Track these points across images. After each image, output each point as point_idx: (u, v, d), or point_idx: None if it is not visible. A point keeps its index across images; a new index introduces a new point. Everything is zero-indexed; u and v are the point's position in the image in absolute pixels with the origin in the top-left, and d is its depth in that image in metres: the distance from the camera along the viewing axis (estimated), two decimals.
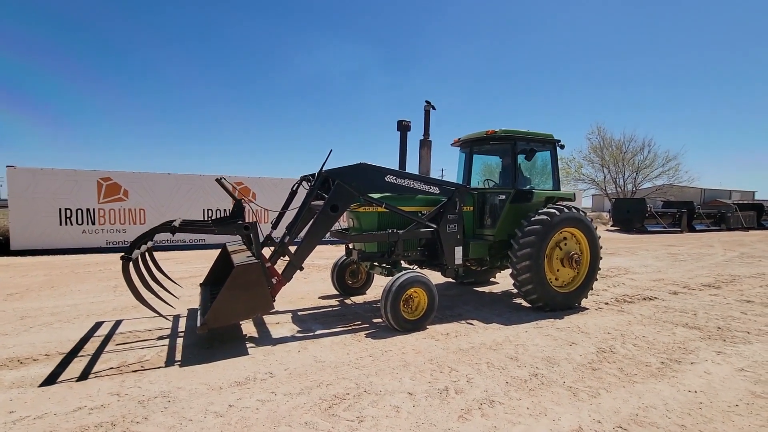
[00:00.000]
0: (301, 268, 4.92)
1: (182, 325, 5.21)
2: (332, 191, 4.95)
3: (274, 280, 4.62)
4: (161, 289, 5.04)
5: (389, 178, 5.34)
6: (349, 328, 5.20)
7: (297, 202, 5.59)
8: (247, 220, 4.91)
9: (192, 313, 5.74)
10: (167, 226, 4.77)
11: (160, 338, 4.71)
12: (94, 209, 11.70)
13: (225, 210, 13.21)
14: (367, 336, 4.86)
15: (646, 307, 6.51)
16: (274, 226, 5.73)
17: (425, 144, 6.27)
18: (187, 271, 9.00)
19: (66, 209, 11.43)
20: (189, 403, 3.19)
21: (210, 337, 4.75)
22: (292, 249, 4.94)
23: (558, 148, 6.81)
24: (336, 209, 4.97)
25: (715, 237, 21.98)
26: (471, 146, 6.90)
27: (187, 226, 4.96)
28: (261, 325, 5.22)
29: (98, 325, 5.17)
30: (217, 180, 5.12)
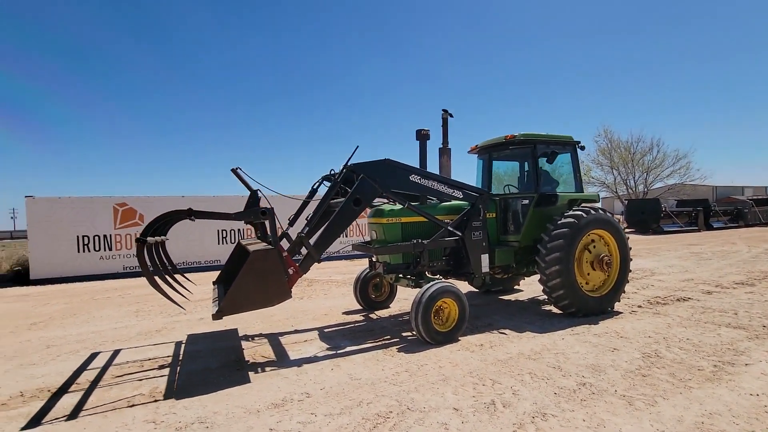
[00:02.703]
0: (319, 261, 4.85)
1: (210, 347, 5.10)
2: (356, 185, 4.92)
3: (290, 271, 4.50)
4: (175, 281, 5.03)
5: (414, 178, 5.29)
6: (379, 343, 5.05)
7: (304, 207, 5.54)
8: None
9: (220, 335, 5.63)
10: (183, 212, 4.53)
11: (188, 361, 4.60)
12: (110, 235, 11.76)
13: (240, 230, 13.21)
14: (399, 350, 4.71)
15: (682, 308, 6.28)
16: (291, 222, 5.67)
17: (444, 152, 6.21)
18: (206, 292, 8.92)
19: (83, 236, 11.50)
20: (228, 429, 3.07)
21: (237, 358, 4.64)
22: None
23: (579, 150, 6.71)
24: (359, 203, 4.92)
25: (734, 234, 21.49)
26: (490, 152, 6.82)
27: (204, 212, 4.68)
28: (289, 344, 5.10)
29: (122, 351, 5.08)
30: (232, 170, 4.98)
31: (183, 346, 5.20)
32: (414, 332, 5.03)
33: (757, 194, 44.43)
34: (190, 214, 4.49)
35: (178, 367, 4.42)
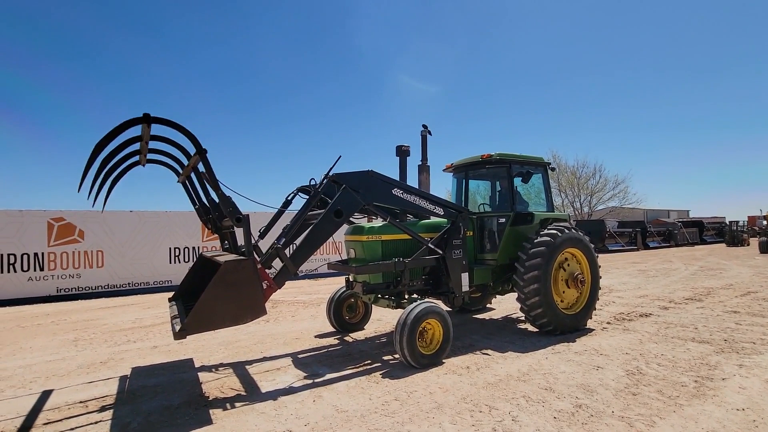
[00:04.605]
0: (296, 274, 4.53)
1: (169, 379, 4.52)
2: (338, 195, 4.67)
3: (264, 284, 4.10)
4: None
5: (396, 192, 5.14)
6: (361, 368, 4.73)
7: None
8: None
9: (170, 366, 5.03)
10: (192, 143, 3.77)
11: (145, 398, 4.01)
12: (42, 253, 10.48)
13: (194, 248, 12.32)
14: (383, 377, 4.42)
15: (647, 323, 6.52)
16: (262, 235, 5.29)
17: (424, 169, 6.14)
18: (158, 316, 8.11)
19: (9, 255, 10.14)
20: None
21: (202, 393, 4.13)
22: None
23: (549, 171, 6.92)
24: (340, 215, 4.66)
25: (669, 253, 23.35)
26: (466, 171, 6.85)
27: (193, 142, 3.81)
28: (260, 373, 4.64)
29: (60, 389, 4.36)
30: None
31: (136, 380, 4.56)
32: (397, 356, 4.77)
33: (681, 217, 49.08)
34: (193, 143, 3.76)
35: (133, 407, 3.83)
